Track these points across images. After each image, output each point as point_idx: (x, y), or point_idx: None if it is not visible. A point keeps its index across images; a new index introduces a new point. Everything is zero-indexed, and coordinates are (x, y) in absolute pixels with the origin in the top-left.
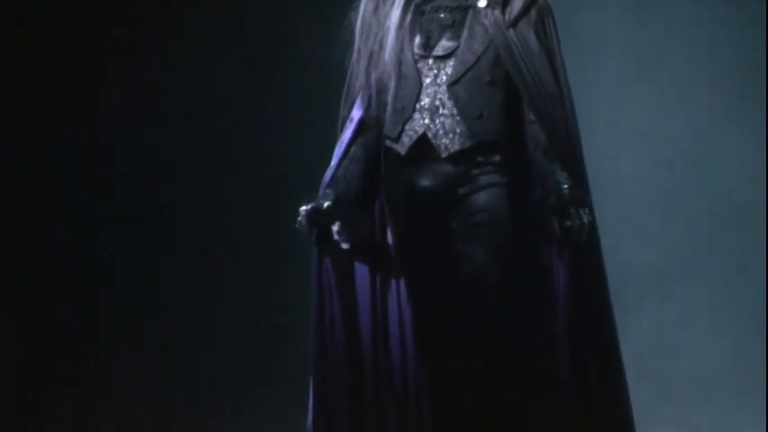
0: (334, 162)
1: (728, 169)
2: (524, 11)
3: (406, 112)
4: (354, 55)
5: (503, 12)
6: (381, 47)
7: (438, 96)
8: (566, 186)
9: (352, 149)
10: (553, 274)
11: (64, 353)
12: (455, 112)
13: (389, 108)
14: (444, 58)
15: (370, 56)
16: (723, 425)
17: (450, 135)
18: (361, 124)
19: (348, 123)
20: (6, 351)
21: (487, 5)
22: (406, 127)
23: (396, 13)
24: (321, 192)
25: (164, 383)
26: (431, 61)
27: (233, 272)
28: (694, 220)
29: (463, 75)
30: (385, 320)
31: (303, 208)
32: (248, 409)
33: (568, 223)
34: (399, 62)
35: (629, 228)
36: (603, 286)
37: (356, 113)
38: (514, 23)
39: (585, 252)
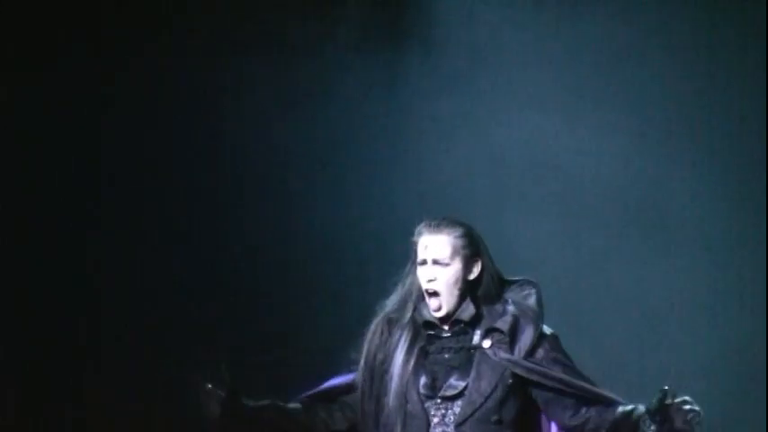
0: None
1: None
2: (534, 346)
3: None
4: (359, 390)
5: (511, 348)
6: (386, 393)
7: None
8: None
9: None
10: None
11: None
12: None
13: None
14: (452, 398)
15: (377, 400)
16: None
17: None
18: (338, 392)
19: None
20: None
21: (492, 345)
22: None
23: (399, 358)
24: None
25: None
26: (438, 401)
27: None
28: None
29: (471, 415)
30: None
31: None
32: None
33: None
34: (405, 402)
35: None
36: None
37: (343, 380)
38: (527, 356)
39: None
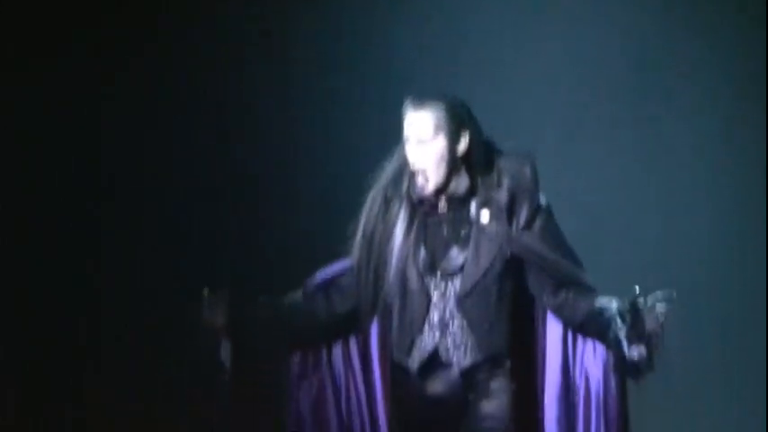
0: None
1: None
2: (531, 219)
3: (414, 326)
4: (355, 264)
5: (509, 221)
6: (386, 269)
7: (448, 310)
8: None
9: (317, 295)
10: None
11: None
12: (465, 325)
13: (395, 323)
14: (452, 273)
15: (376, 274)
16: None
17: (462, 348)
18: (337, 275)
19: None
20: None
21: (489, 219)
22: (417, 341)
23: (399, 232)
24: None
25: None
26: (438, 276)
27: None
28: None
29: (471, 290)
30: None
31: (207, 292)
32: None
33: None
34: (405, 280)
35: None
36: None
37: (340, 265)
38: (525, 228)
39: None
